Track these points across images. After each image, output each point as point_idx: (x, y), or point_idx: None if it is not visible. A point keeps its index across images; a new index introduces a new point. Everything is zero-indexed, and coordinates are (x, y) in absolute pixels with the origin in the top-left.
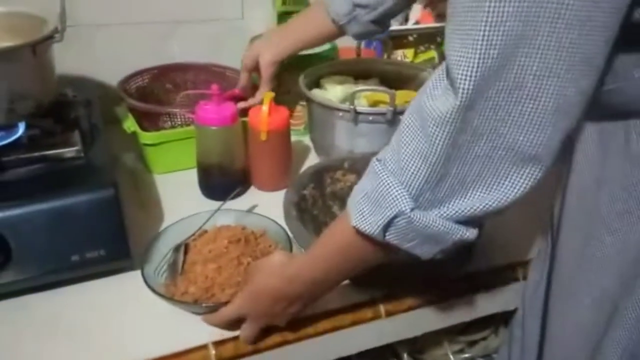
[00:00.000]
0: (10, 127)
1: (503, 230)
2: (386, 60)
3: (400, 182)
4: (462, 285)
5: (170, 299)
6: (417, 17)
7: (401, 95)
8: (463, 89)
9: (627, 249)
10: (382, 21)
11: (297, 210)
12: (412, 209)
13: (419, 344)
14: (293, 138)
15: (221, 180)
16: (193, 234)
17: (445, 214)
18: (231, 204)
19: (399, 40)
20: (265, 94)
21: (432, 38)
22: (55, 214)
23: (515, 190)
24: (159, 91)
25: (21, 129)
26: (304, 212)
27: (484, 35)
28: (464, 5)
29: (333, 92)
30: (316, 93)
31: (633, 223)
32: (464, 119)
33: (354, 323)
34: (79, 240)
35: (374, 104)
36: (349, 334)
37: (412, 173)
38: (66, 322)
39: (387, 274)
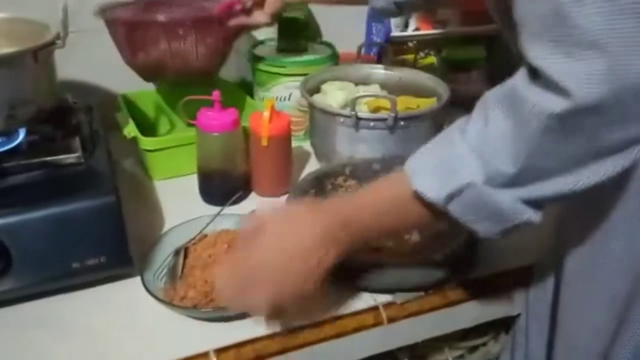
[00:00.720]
0: (11, 133)
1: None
2: (387, 66)
3: (480, 155)
4: (463, 291)
5: (169, 303)
6: (417, 23)
7: (402, 101)
8: (581, 95)
9: (635, 250)
10: (403, 6)
11: None
12: (483, 183)
13: (419, 350)
14: (294, 144)
15: (222, 186)
16: (193, 238)
17: (517, 195)
18: (232, 209)
19: (399, 46)
20: (265, 100)
21: (431, 44)
22: (56, 221)
23: (594, 178)
24: None
25: (21, 134)
26: None
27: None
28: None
29: (334, 97)
30: (317, 99)
31: (637, 225)
32: (572, 121)
33: (356, 330)
34: (79, 247)
35: (375, 109)
36: (351, 340)
37: (495, 151)
38: (66, 328)
39: (388, 280)
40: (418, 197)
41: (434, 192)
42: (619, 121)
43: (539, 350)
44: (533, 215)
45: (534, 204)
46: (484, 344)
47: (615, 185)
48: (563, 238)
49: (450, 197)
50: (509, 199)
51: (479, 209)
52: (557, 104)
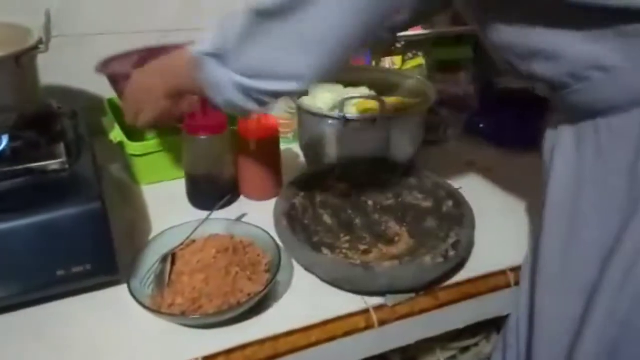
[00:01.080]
0: None
1: (495, 236)
2: (375, 67)
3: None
4: (454, 293)
5: (157, 311)
6: None
7: (390, 102)
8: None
9: (605, 241)
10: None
11: (287, 220)
12: (209, 54)
13: (411, 352)
14: (283, 146)
15: (210, 190)
16: (181, 244)
17: (231, 78)
18: (220, 213)
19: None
20: None
21: (419, 45)
22: (41, 228)
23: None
24: None
25: (4, 141)
26: (294, 221)
27: None
28: None
29: (322, 99)
30: (305, 101)
31: (608, 217)
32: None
33: (347, 333)
34: (64, 254)
35: (364, 111)
36: (342, 344)
37: (228, 29)
38: (51, 338)
39: (379, 282)
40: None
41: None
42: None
43: (525, 348)
44: (245, 102)
45: (246, 91)
46: (475, 345)
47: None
48: (537, 230)
49: (201, 59)
50: (225, 77)
51: (209, 74)
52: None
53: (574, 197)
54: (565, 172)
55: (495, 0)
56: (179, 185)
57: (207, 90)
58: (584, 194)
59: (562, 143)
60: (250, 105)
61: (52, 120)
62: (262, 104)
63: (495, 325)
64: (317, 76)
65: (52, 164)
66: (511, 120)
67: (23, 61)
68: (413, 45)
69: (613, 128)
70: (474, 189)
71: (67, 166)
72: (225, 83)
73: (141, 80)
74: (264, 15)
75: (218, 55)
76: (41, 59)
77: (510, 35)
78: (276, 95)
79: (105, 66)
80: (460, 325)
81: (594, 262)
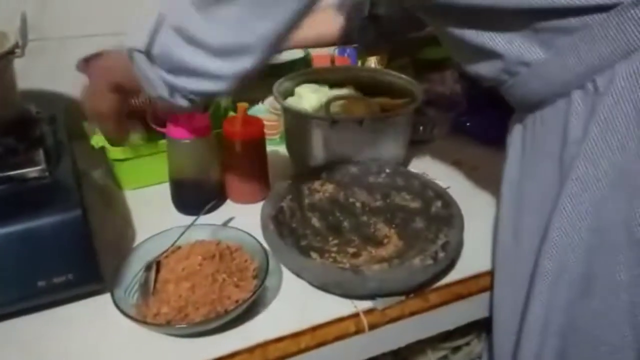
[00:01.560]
0: None
1: (483, 235)
2: (360, 67)
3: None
4: (445, 294)
5: (141, 322)
6: None
7: (377, 102)
8: None
9: (541, 228)
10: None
11: (275, 224)
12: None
13: (402, 353)
14: (269, 148)
15: (195, 194)
16: (165, 251)
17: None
18: (206, 218)
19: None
20: (238, 105)
21: (405, 44)
22: (19, 238)
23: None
24: None
25: None
26: (282, 226)
27: None
28: None
29: (308, 100)
30: (291, 102)
31: (543, 205)
32: None
33: (337, 338)
34: (45, 265)
35: (350, 111)
36: (332, 350)
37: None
38: (33, 351)
39: (369, 286)
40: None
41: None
42: None
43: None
44: (175, 99)
45: (173, 88)
46: (467, 344)
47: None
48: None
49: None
50: (155, 73)
51: (141, 69)
52: None
53: (518, 187)
54: (513, 164)
55: (429, 7)
56: (164, 190)
57: (143, 85)
58: (525, 184)
59: (513, 136)
60: (181, 102)
61: (31, 126)
62: (190, 101)
63: (486, 324)
64: (237, 77)
65: (31, 172)
66: (498, 119)
67: None
68: (399, 44)
69: (544, 119)
70: (461, 188)
71: (46, 173)
72: (155, 79)
73: (92, 75)
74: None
75: (147, 52)
76: (20, 62)
77: (454, 38)
78: (198, 94)
79: (86, 64)
80: (451, 327)
81: (534, 250)
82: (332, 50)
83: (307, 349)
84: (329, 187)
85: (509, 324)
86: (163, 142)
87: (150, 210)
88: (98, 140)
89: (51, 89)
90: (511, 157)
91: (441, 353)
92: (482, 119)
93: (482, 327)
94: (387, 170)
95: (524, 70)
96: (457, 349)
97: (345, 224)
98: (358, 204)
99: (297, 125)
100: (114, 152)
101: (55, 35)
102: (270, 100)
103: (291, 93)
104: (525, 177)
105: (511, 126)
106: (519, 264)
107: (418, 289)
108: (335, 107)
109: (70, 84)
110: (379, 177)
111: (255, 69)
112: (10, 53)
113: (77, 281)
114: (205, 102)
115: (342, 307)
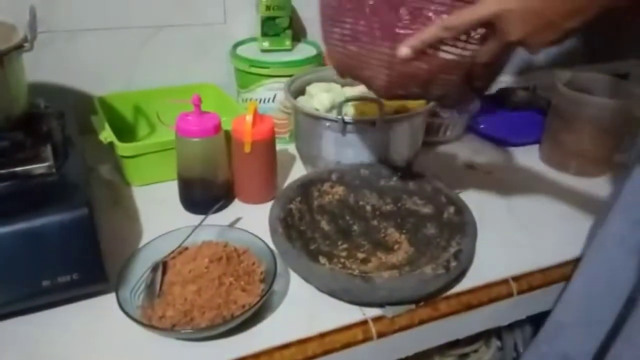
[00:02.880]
0: None
1: (496, 243)
2: None
3: None
4: (455, 304)
5: (146, 325)
6: None
7: (389, 103)
8: None
9: None
10: None
11: (283, 227)
12: None
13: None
14: (278, 147)
15: (203, 194)
16: (172, 252)
17: None
18: (214, 217)
19: None
20: (248, 103)
21: None
22: (24, 236)
23: None
24: None
25: None
26: (290, 228)
27: None
28: None
29: (319, 100)
30: (302, 101)
31: None
32: None
33: (345, 346)
34: (50, 264)
35: (362, 113)
36: (339, 358)
37: None
38: (36, 351)
39: (379, 294)
40: None
41: None
42: None
43: None
44: None
45: None
46: (475, 351)
47: None
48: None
49: None
50: None
51: None
52: None
53: None
54: None
55: None
56: (172, 187)
57: None
58: None
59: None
60: None
61: (39, 121)
62: None
63: (496, 331)
64: None
65: (38, 168)
66: (512, 120)
67: (7, 61)
68: None
69: None
70: (474, 193)
71: (53, 170)
72: None
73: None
74: None
75: None
76: (29, 56)
77: None
78: None
79: None
80: (461, 336)
81: None
82: None
83: (314, 356)
84: (339, 190)
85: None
86: (172, 139)
87: (158, 208)
88: (106, 135)
89: (61, 83)
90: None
91: None
92: (496, 120)
93: (491, 334)
94: (399, 174)
95: None
96: (464, 356)
97: (355, 227)
98: (368, 208)
99: (307, 125)
100: (122, 149)
101: (64, 28)
102: (280, 97)
103: (302, 91)
104: None
105: None
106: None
107: (428, 298)
108: (347, 107)
109: (80, 77)
110: (390, 181)
111: None
112: (19, 47)
113: (82, 281)
114: None
115: (350, 314)
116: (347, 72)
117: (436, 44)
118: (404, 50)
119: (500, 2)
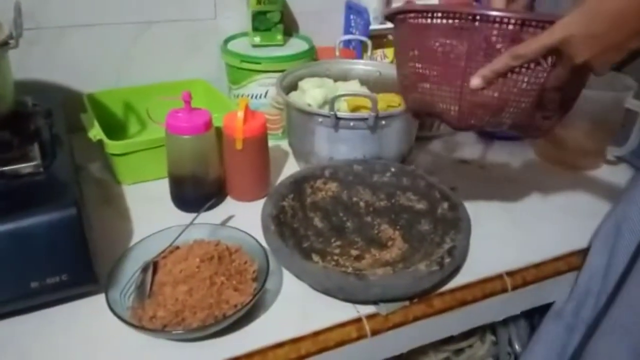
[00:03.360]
0: None
1: (490, 238)
2: (366, 61)
3: None
4: (449, 300)
5: (136, 326)
6: None
7: (383, 98)
8: None
9: None
10: None
11: (275, 224)
12: None
13: (403, 355)
14: (271, 143)
15: (195, 191)
16: (163, 251)
17: None
18: (206, 215)
19: (379, 39)
20: (240, 99)
21: None
22: (12, 237)
23: None
24: None
25: None
26: (283, 226)
27: None
28: None
29: (312, 96)
30: (294, 97)
31: None
32: None
33: (339, 344)
34: (38, 265)
35: (355, 108)
36: (333, 356)
37: None
38: (25, 353)
39: (372, 291)
40: None
41: None
42: None
43: None
44: None
45: None
46: (469, 346)
47: None
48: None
49: None
50: None
51: None
52: None
53: None
54: None
55: None
56: (163, 185)
57: None
58: None
59: None
60: None
61: (26, 120)
62: None
63: (490, 326)
64: None
65: (26, 167)
66: None
67: None
68: None
69: None
70: (468, 188)
71: (41, 169)
72: None
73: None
74: None
75: None
76: (17, 53)
77: None
78: None
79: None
80: (455, 333)
81: None
82: (337, 43)
83: (308, 355)
84: (332, 186)
85: None
86: (162, 136)
87: (149, 206)
88: (96, 133)
89: (49, 79)
90: None
91: (443, 355)
92: None
93: (486, 329)
94: (392, 169)
95: None
96: (459, 351)
97: (349, 224)
98: (362, 204)
99: (300, 121)
100: (112, 147)
101: (53, 24)
102: (272, 93)
103: (295, 87)
104: None
105: None
106: None
107: (422, 294)
108: (340, 103)
109: (69, 74)
110: (383, 176)
111: None
112: (4, 44)
113: (71, 282)
114: None
115: (344, 311)
116: (423, 109)
117: (506, 73)
118: (475, 81)
119: (564, 29)
